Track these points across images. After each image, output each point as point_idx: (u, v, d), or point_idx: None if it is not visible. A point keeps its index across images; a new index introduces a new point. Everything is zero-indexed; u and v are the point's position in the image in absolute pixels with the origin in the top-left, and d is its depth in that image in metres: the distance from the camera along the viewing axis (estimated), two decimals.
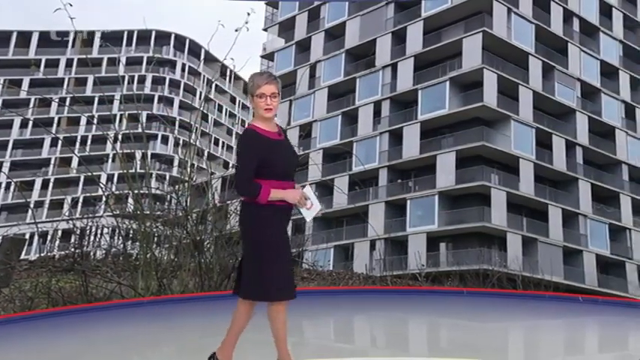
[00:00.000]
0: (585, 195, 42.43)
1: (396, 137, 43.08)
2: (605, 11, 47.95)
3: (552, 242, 39.45)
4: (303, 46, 50.40)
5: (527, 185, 39.87)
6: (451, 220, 38.85)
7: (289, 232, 3.83)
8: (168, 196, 9.31)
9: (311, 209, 3.71)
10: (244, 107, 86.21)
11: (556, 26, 44.44)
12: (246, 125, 3.78)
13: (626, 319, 6.78)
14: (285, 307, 3.62)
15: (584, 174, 43.10)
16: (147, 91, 69.76)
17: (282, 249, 3.63)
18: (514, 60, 41.86)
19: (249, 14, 8.73)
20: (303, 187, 3.74)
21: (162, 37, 76.34)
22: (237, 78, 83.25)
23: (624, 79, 47.86)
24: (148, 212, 7.73)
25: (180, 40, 77.55)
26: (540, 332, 6.28)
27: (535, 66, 42.67)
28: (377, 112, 44.77)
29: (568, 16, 45.54)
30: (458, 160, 39.20)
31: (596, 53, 46.53)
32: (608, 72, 46.93)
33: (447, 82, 41.33)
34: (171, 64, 76.57)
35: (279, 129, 3.77)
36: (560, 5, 44.98)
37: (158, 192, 9.75)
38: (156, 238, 8.17)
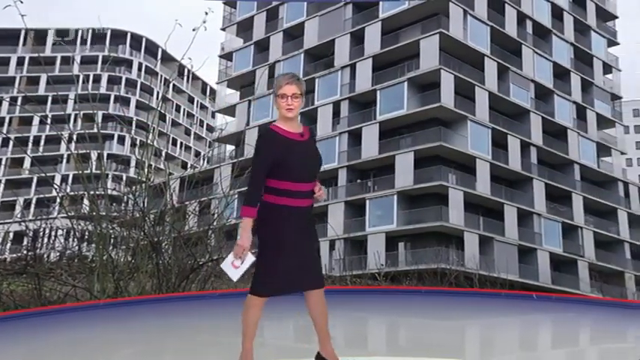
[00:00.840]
0: (539, 194, 43.29)
1: (355, 137, 43.27)
2: (557, 14, 49.03)
3: (508, 241, 40.13)
4: (262, 46, 50.24)
5: (483, 185, 40.47)
6: (410, 219, 39.19)
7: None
8: (125, 197, 9.18)
9: (232, 267, 3.61)
10: (202, 107, 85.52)
11: (510, 28, 45.25)
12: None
13: (578, 316, 6.93)
14: (261, 305, 3.66)
15: (539, 174, 43.97)
16: (102, 90, 68.62)
17: (287, 249, 3.62)
18: (470, 61, 42.46)
19: (206, 14, 8.67)
20: (254, 253, 3.67)
21: (118, 36, 75.20)
22: (196, 78, 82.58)
23: (575, 80, 49.02)
24: (103, 213, 7.60)
25: (136, 39, 76.50)
26: (496, 330, 6.38)
27: (490, 67, 43.35)
28: (336, 113, 44.90)
29: (521, 18, 46.42)
30: (416, 160, 39.54)
31: (548, 55, 47.53)
32: (561, 73, 48.01)
33: (405, 83, 41.68)
34: (128, 64, 75.47)
35: (303, 130, 3.77)
36: (514, 8, 45.80)
37: (114, 193, 9.59)
38: (112, 240, 8.04)
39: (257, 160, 3.59)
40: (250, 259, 3.60)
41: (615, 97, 52.47)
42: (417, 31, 42.54)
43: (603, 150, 50.08)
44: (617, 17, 54.60)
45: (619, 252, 47.02)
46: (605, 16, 53.55)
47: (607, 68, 52.49)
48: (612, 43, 53.56)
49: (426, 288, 11.16)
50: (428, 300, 7.74)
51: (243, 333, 3.68)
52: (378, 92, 42.86)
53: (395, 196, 39.77)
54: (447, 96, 40.35)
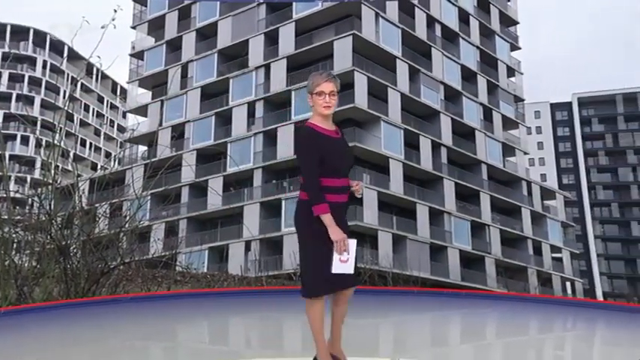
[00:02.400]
0: (450, 193, 44.58)
1: (271, 138, 43.18)
2: (464, 18, 50.71)
3: (420, 239, 41.10)
4: (174, 46, 49.33)
5: (396, 184, 41.27)
6: None
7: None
8: (30, 199, 8.78)
9: (342, 264, 3.55)
10: (113, 107, 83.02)
11: (420, 31, 46.38)
12: (305, 123, 3.79)
13: (487, 311, 7.18)
14: (319, 304, 3.61)
15: (449, 173, 45.29)
16: (3, 89, 65.47)
17: (327, 247, 3.56)
18: (383, 63, 43.22)
19: (115, 11, 8.41)
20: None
21: (20, 32, 71.90)
22: (105, 77, 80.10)
23: (482, 83, 50.87)
24: (6, 217, 7.24)
25: (40, 36, 73.33)
26: (408, 327, 6.51)
27: (402, 69, 44.27)
28: (251, 113, 44.68)
29: (431, 21, 47.69)
30: None
31: (456, 58, 49.06)
32: (468, 76, 49.67)
33: None
34: (31, 61, 72.27)
35: (336, 128, 3.83)
36: (424, 11, 46.98)
37: (18, 195, 9.16)
38: (15, 244, 7.67)
39: (305, 159, 3.61)
40: (353, 244, 3.59)
41: (518, 99, 54.84)
42: (330, 33, 42.92)
43: (508, 150, 52.20)
44: (518, 23, 57.09)
45: (522, 248, 49.14)
46: (508, 21, 55.88)
47: (510, 71, 54.79)
48: (515, 47, 55.95)
49: None
50: None
51: (313, 334, 3.66)
52: (293, 93, 42.93)
53: None
54: (361, 97, 40.89)
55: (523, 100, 55.63)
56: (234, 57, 46.30)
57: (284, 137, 42.32)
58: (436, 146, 45.04)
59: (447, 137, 46.16)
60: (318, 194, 3.58)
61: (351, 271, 3.58)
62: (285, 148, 42.07)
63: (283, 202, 40.93)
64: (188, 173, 35.15)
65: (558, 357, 5.38)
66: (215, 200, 40.67)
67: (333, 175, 3.66)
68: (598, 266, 75.65)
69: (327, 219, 3.54)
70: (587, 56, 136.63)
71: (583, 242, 73.23)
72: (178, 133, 43.87)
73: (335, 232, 3.52)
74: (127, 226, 8.16)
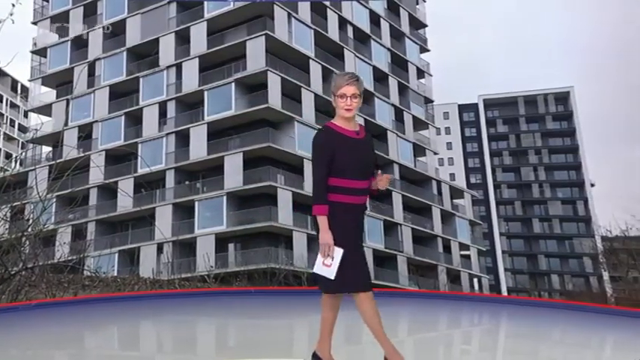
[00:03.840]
0: None
1: (183, 138, 42.47)
2: (375, 20, 51.62)
3: None
4: (80, 43, 47.62)
5: (311, 185, 41.33)
6: (240, 220, 39.18)
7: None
8: None
9: (325, 268, 3.59)
10: (13, 106, 79.24)
11: (333, 32, 46.83)
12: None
13: (399, 309, 7.33)
14: (335, 302, 3.77)
15: None
16: None
17: (347, 245, 3.59)
18: (296, 63, 43.34)
19: (14, 5, 8.00)
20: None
21: None
22: (4, 74, 76.30)
23: (393, 84, 51.93)
24: None
25: None
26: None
27: (315, 69, 44.55)
28: (162, 113, 43.79)
29: (343, 23, 48.25)
30: (245, 160, 39.62)
31: (368, 59, 49.86)
32: (380, 77, 50.60)
33: (233, 84, 41.60)
34: None
35: (360, 129, 3.76)
36: (335, 12, 47.49)
37: None
38: None
39: (316, 158, 3.63)
40: (339, 252, 3.58)
41: (428, 101, 56.35)
42: (243, 33, 42.63)
43: (418, 150, 53.53)
44: (426, 26, 58.70)
45: (433, 246, 50.52)
46: (417, 24, 57.34)
47: (420, 73, 56.22)
48: (424, 49, 57.48)
49: (256, 288, 11.23)
50: (258, 300, 7.79)
51: (320, 330, 3.79)
52: (206, 93, 42.39)
53: (224, 197, 39.57)
54: (275, 97, 40.85)
55: (432, 101, 57.19)
56: (144, 56, 45.22)
57: (197, 138, 41.74)
58: None
59: None
60: (319, 194, 3.64)
61: (332, 277, 3.62)
62: (198, 149, 41.49)
63: (197, 204, 40.37)
64: (97, 174, 34.05)
65: (465, 351, 5.56)
66: (125, 202, 39.60)
67: (348, 176, 3.67)
68: (503, 262, 78.84)
69: (322, 221, 3.61)
70: (493, 59, 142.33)
71: (489, 239, 76.12)
72: (86, 134, 42.46)
73: (324, 236, 3.60)
74: (29, 229, 7.80)
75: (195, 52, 43.43)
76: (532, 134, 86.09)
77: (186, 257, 35.78)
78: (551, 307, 8.15)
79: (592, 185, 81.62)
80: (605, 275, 43.93)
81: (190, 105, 43.23)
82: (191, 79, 43.11)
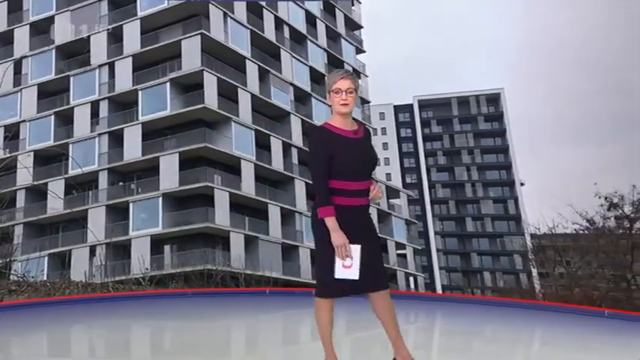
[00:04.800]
0: (301, 193, 45.36)
1: (117, 138, 41.60)
2: (311, 21, 51.86)
3: (272, 240, 41.44)
4: (5, 40, 45.95)
5: (248, 185, 41.32)
6: (176, 221, 38.68)
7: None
8: None
9: (345, 270, 3.45)
10: None
11: (269, 32, 46.78)
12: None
13: (336, 309, 7.37)
14: (329, 306, 3.62)
15: (300, 173, 46.05)
16: None
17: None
18: (233, 63, 43.09)
19: None
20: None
21: None
22: None
23: None
24: None
25: None
26: (260, 327, 6.55)
27: (252, 70, 44.39)
28: (95, 113, 42.77)
29: (279, 23, 48.26)
30: (181, 161, 39.16)
31: (305, 60, 50.04)
32: (317, 78, 50.82)
33: (168, 84, 41.03)
34: None
35: (358, 127, 3.61)
36: (272, 13, 47.45)
37: None
38: None
39: (314, 161, 3.51)
40: (357, 249, 3.46)
41: (364, 101, 56.92)
42: (178, 32, 42.09)
43: None
44: (362, 27, 59.34)
45: None
46: (352, 25, 57.89)
47: (356, 74, 56.75)
48: (360, 50, 58.10)
49: (193, 290, 11.11)
50: (195, 302, 7.71)
51: (320, 336, 3.64)
52: (140, 92, 41.63)
53: (160, 198, 38.99)
54: (211, 97, 40.50)
55: (369, 102, 57.81)
56: (75, 54, 44.03)
57: (131, 138, 40.96)
58: (287, 147, 45.63)
59: (297, 138, 46.91)
60: (323, 196, 3.52)
61: (356, 277, 3.48)
62: (133, 149, 40.72)
63: (131, 205, 39.63)
64: (25, 176, 32.90)
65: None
66: (56, 204, 38.45)
67: (348, 178, 3.55)
68: (437, 261, 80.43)
69: (331, 223, 3.48)
70: (427, 60, 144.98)
71: (424, 238, 77.53)
72: (12, 134, 41.06)
73: (337, 237, 3.46)
74: None
75: (128, 51, 42.58)
76: (465, 135, 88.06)
77: (121, 260, 35.05)
78: (484, 305, 8.38)
79: (522, 184, 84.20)
80: (534, 272, 45.41)
81: (124, 105, 42.36)
82: (124, 79, 42.24)
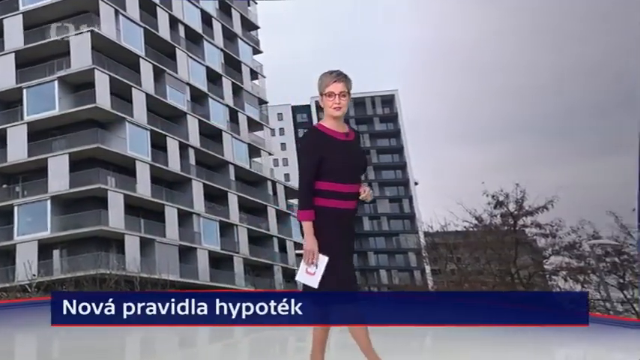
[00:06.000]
0: (198, 195, 44.84)
1: (0, 139, 39.51)
2: (207, 21, 51.34)
3: (169, 242, 40.73)
4: None
5: (144, 187, 40.39)
6: (66, 225, 37.24)
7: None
8: None
9: (307, 275, 3.42)
10: None
11: (164, 31, 45.89)
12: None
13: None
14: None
15: (197, 174, 45.51)
16: None
17: (333, 252, 3.44)
18: (126, 62, 41.97)
19: None
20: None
21: None
22: None
23: (227, 85, 51.94)
24: None
25: None
26: (158, 331, 6.40)
27: (146, 69, 43.41)
28: None
29: (174, 22, 47.43)
30: (72, 162, 37.76)
31: (201, 59, 49.48)
32: (214, 78, 50.40)
33: (56, 82, 39.41)
34: None
35: (349, 130, 3.57)
36: (166, 11, 46.59)
37: None
38: None
39: (303, 161, 3.46)
40: (323, 260, 3.41)
41: (262, 102, 57.00)
42: (66, 28, 40.46)
43: (254, 151, 53.99)
44: (259, 27, 59.32)
45: (269, 246, 51.22)
46: (249, 25, 57.78)
47: (254, 74, 56.72)
48: (257, 51, 58.06)
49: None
50: None
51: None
52: (25, 91, 39.73)
53: (48, 201, 37.43)
54: (103, 97, 39.26)
55: (266, 102, 57.91)
56: None
57: (15, 139, 39.04)
58: (184, 147, 44.96)
59: (194, 138, 46.30)
60: (304, 199, 3.48)
61: (315, 286, 3.45)
62: (17, 150, 38.83)
63: (16, 209, 37.78)
64: None
65: (300, 349, 5.70)
66: None
67: (337, 180, 3.47)
68: None
69: (306, 227, 3.46)
70: (325, 61, 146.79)
71: None
72: None
73: (308, 242, 3.45)
74: None
75: (10, 47, 40.49)
76: (361, 135, 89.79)
77: (4, 266, 33.38)
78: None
79: (416, 184, 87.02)
80: (428, 269, 47.02)
81: (7, 104, 40.31)
82: (6, 76, 40.14)
